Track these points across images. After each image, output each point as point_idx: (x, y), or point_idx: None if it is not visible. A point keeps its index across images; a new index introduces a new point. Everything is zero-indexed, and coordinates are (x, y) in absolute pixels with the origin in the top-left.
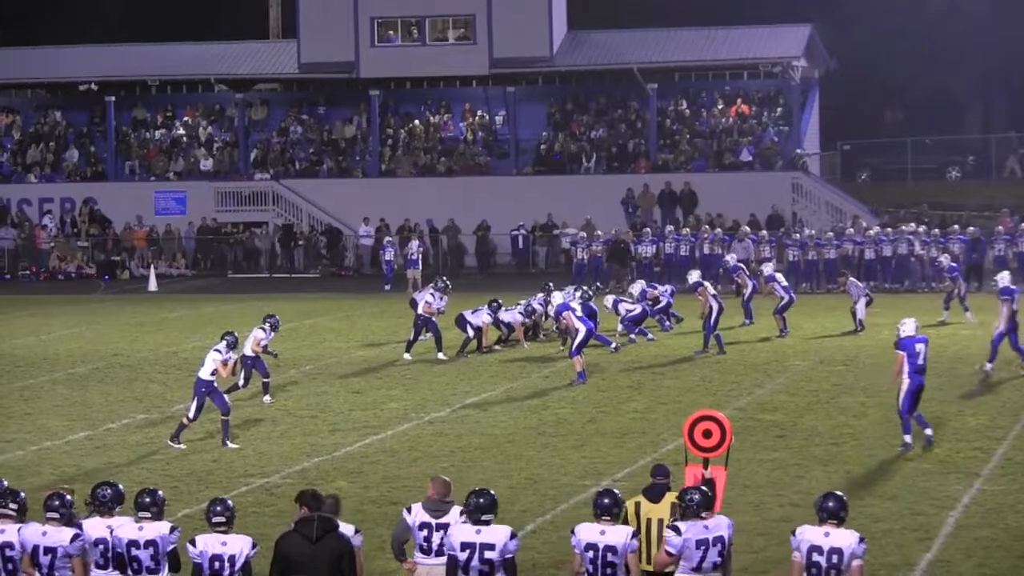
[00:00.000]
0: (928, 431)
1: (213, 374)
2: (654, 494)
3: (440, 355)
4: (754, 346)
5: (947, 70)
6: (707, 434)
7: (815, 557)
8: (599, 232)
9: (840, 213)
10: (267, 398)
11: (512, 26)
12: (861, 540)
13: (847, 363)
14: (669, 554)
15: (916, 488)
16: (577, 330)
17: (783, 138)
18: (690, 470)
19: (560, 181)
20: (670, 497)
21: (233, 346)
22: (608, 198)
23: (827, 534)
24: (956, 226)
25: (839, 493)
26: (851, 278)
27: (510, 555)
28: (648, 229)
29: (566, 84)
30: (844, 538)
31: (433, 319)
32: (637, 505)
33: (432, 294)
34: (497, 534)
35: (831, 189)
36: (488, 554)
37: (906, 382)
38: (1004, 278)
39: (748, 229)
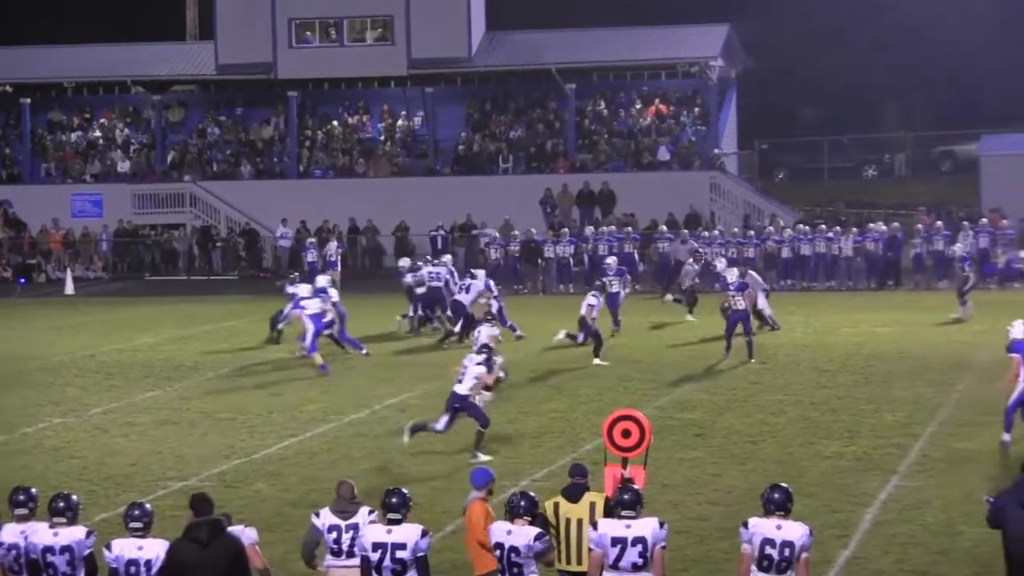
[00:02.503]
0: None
1: (471, 388)
2: (573, 494)
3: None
4: (674, 346)
5: (864, 69)
6: (626, 434)
7: (768, 550)
8: (515, 232)
9: (758, 212)
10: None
11: (430, 27)
12: (810, 533)
13: (765, 362)
14: (591, 550)
15: (834, 485)
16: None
17: (701, 137)
18: (609, 470)
19: (479, 181)
20: (589, 497)
21: (488, 358)
22: (526, 198)
23: (779, 527)
24: (872, 224)
25: (785, 485)
26: (751, 272)
27: (422, 553)
28: (566, 229)
29: (485, 84)
30: (795, 531)
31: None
32: (556, 505)
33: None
34: (408, 533)
35: (749, 188)
36: (400, 553)
37: (1020, 387)
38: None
39: (687, 232)
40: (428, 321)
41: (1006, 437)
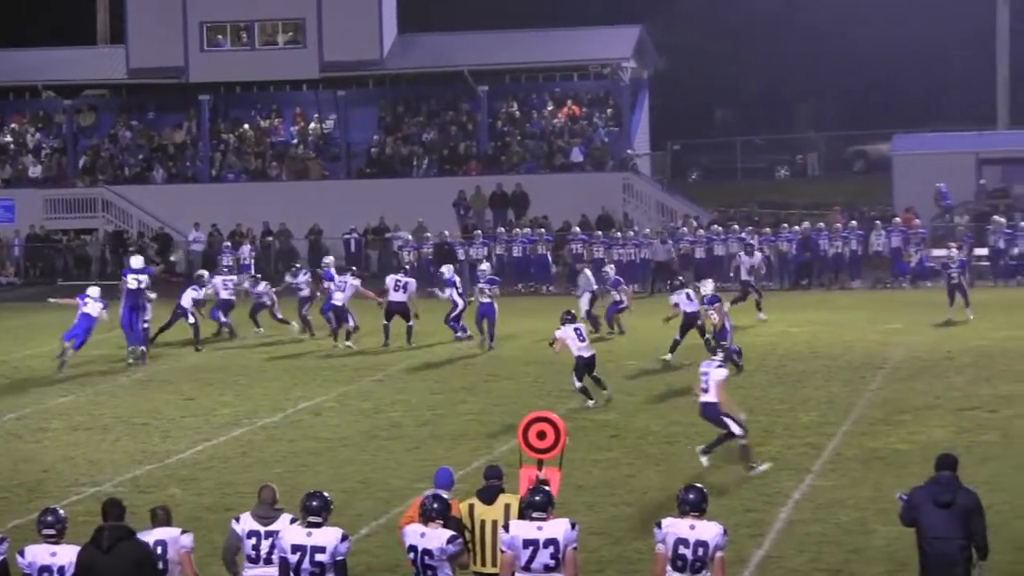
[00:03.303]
0: None
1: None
2: (487, 496)
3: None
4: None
5: (776, 70)
6: (541, 435)
7: (681, 550)
8: (428, 234)
9: (671, 213)
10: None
11: (342, 29)
12: (724, 532)
13: (682, 362)
14: (502, 552)
15: (748, 485)
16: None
17: (613, 139)
18: (524, 472)
19: (392, 184)
20: (504, 498)
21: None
22: (440, 200)
23: (692, 527)
24: (785, 224)
25: (699, 485)
26: (585, 270)
27: (341, 557)
28: (479, 231)
29: (397, 87)
30: (709, 530)
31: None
32: (471, 507)
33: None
34: (328, 536)
35: (662, 189)
36: (319, 556)
37: None
38: None
39: (664, 232)
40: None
41: None
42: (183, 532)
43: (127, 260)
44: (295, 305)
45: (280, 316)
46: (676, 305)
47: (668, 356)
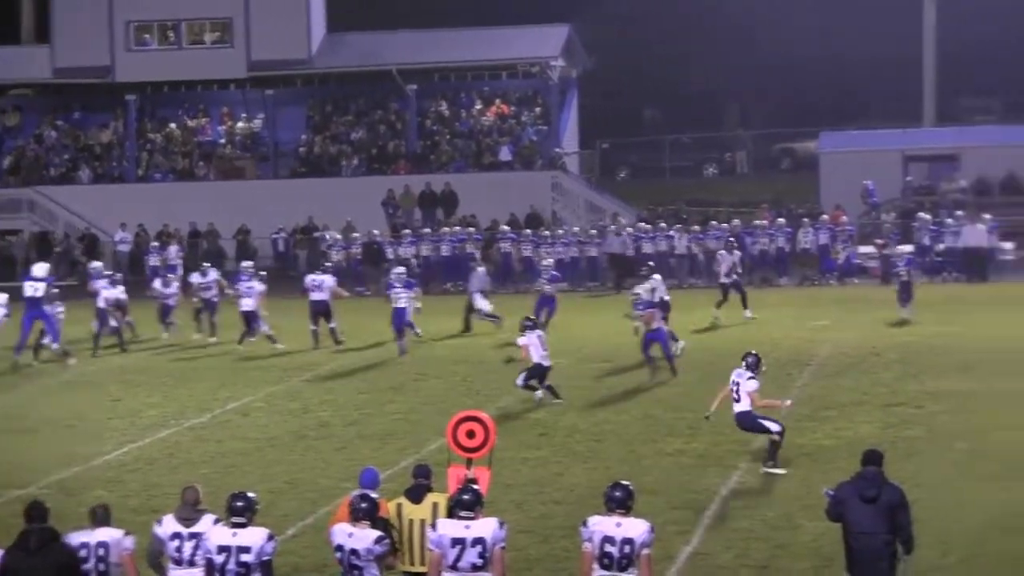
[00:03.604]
0: None
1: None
2: (415, 495)
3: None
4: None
5: (704, 69)
6: (471, 434)
7: (607, 547)
8: (356, 234)
9: (599, 211)
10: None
11: (270, 28)
12: (651, 529)
13: (608, 360)
14: (430, 551)
15: (676, 482)
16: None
17: (542, 137)
18: (453, 471)
19: (320, 183)
20: (432, 498)
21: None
22: (369, 199)
23: (619, 524)
24: (713, 222)
25: (626, 483)
26: (478, 269)
27: (267, 557)
28: (408, 230)
29: (325, 86)
30: (635, 528)
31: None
32: (399, 506)
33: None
34: (254, 536)
35: (590, 187)
36: (244, 556)
37: None
38: None
39: (630, 228)
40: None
41: None
42: (126, 534)
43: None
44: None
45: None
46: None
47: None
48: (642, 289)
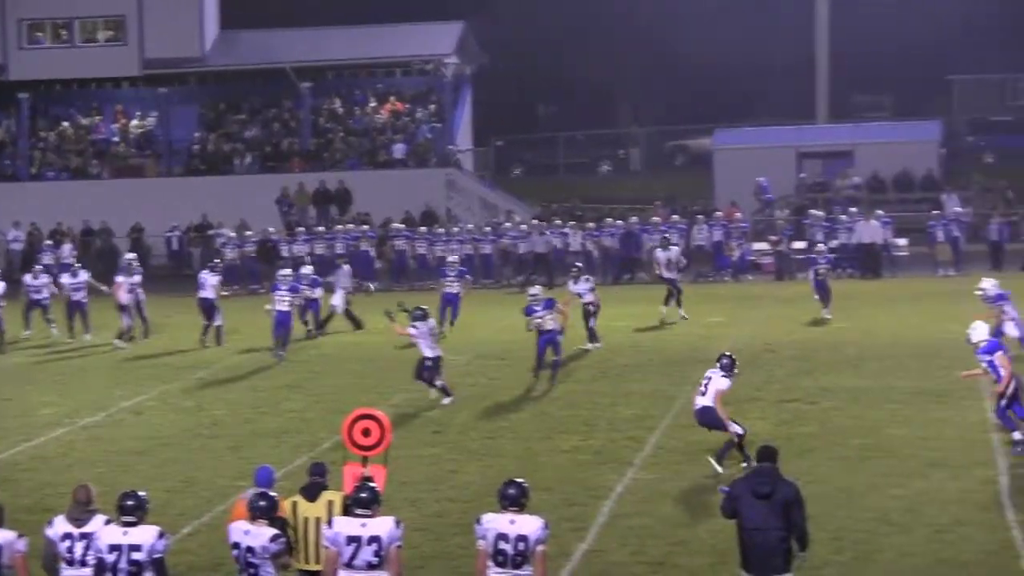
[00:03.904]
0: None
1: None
2: (311, 493)
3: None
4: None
5: (598, 66)
6: (366, 432)
7: (501, 544)
8: (250, 232)
9: (494, 209)
10: None
11: (163, 27)
12: (545, 526)
13: (503, 357)
14: (325, 548)
15: (571, 479)
16: None
17: (436, 135)
18: (349, 468)
19: (214, 182)
20: (327, 495)
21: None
22: (263, 197)
23: (512, 521)
24: (608, 219)
25: (520, 480)
26: (344, 266)
27: (159, 555)
28: (302, 228)
29: (219, 84)
30: (529, 525)
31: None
32: (294, 504)
33: None
34: (144, 535)
35: (484, 185)
36: (135, 555)
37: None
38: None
39: (543, 224)
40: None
41: (1017, 435)
42: (19, 536)
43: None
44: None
45: (49, 317)
46: (579, 295)
47: (590, 345)
48: (538, 290)
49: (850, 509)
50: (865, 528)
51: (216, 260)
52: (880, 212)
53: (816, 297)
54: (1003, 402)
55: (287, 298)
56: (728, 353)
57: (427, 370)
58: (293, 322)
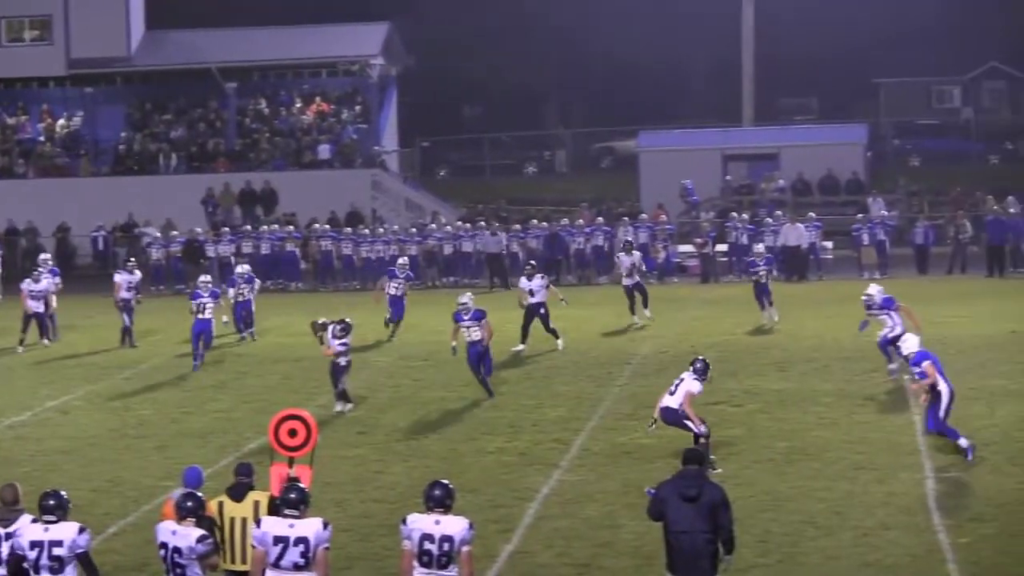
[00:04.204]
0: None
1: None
2: (237, 493)
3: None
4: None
5: (524, 68)
6: (292, 433)
7: (426, 545)
8: (175, 232)
9: (419, 209)
10: None
11: (89, 26)
12: (470, 527)
13: (427, 358)
14: (253, 547)
15: (497, 480)
16: None
17: (362, 136)
18: (275, 469)
19: (140, 181)
20: (253, 496)
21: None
22: (189, 197)
23: (437, 522)
24: (534, 220)
25: (445, 481)
26: (245, 264)
27: (81, 550)
28: (227, 228)
29: (145, 84)
30: (454, 525)
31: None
32: (220, 504)
33: None
34: (65, 530)
35: (410, 186)
36: (56, 550)
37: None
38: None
39: (496, 224)
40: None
41: (964, 442)
42: None
43: None
44: None
45: None
46: (530, 292)
47: (522, 346)
48: (468, 298)
49: (776, 512)
50: (791, 531)
51: (130, 261)
52: (812, 215)
53: (759, 304)
54: (940, 413)
55: (209, 305)
56: (702, 357)
57: (340, 371)
58: (214, 328)
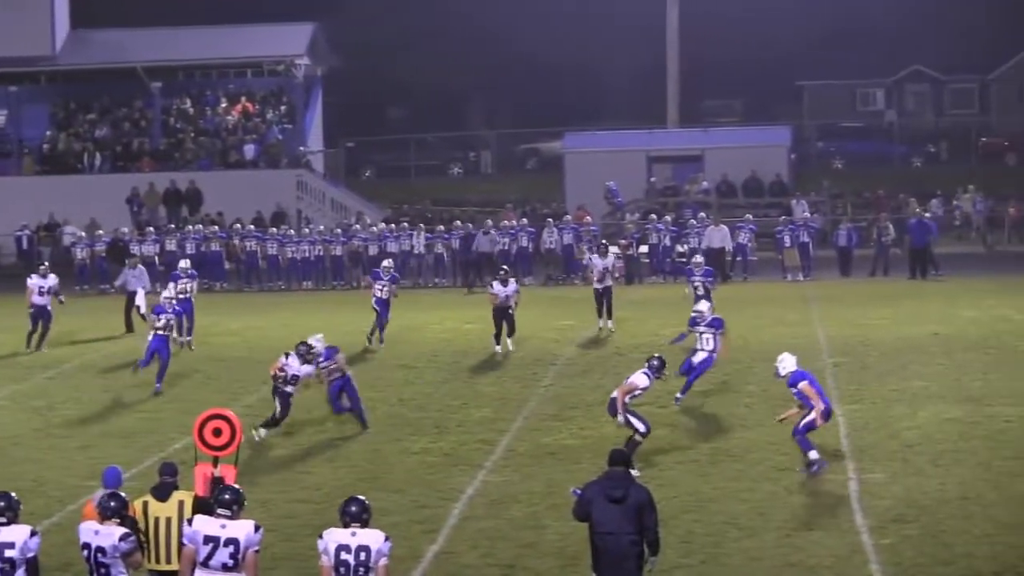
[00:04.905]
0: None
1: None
2: (161, 493)
3: None
4: (262, 343)
5: (449, 69)
6: (217, 432)
7: (343, 556)
8: (100, 232)
9: (344, 210)
10: None
11: (13, 25)
12: (387, 539)
13: (349, 360)
14: (183, 546)
15: (421, 481)
16: None
17: (287, 136)
18: (199, 469)
19: (64, 181)
20: (178, 495)
21: None
22: (113, 197)
23: (354, 533)
24: (458, 222)
25: (361, 497)
26: (140, 265)
27: (31, 554)
28: (151, 228)
29: (70, 83)
30: (371, 536)
31: None
32: (145, 504)
33: None
34: (17, 533)
35: (335, 186)
36: (8, 552)
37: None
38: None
39: (489, 221)
40: None
41: (815, 455)
42: None
43: None
44: None
45: None
46: (506, 296)
47: (498, 348)
48: (316, 340)
49: (699, 513)
50: (714, 532)
51: (43, 264)
52: (750, 216)
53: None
54: (801, 425)
55: (171, 322)
56: (658, 355)
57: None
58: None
